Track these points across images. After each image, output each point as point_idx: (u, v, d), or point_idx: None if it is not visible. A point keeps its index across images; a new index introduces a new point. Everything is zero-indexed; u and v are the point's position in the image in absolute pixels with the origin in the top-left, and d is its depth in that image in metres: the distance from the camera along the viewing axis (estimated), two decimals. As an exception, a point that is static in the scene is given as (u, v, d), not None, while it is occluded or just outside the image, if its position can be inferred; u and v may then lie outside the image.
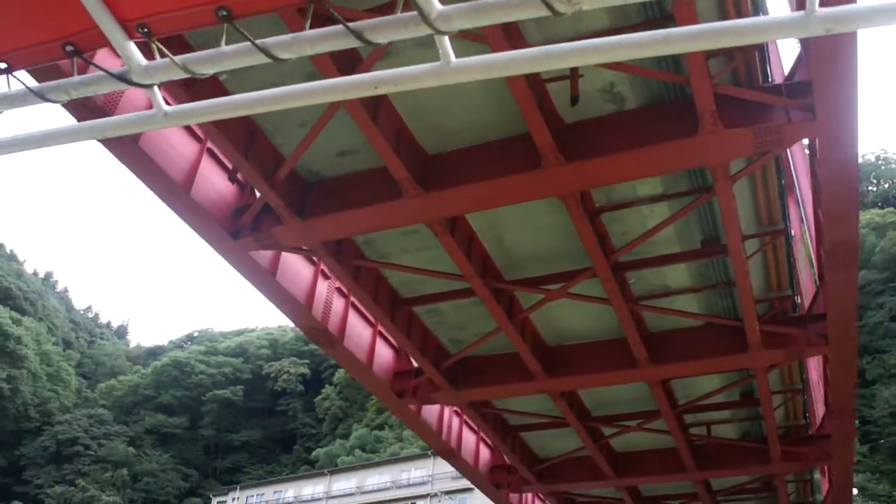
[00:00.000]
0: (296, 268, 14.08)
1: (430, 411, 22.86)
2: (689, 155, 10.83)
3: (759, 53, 10.29)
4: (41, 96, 3.03)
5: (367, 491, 68.52)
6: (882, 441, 72.31)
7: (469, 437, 26.18)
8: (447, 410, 23.64)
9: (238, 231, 11.74)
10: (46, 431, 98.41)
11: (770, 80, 10.68)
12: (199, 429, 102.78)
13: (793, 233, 14.77)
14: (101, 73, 3.05)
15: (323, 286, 16.33)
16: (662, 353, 18.10)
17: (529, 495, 32.39)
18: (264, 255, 12.87)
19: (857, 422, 73.58)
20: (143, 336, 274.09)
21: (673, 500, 31.18)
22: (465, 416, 23.40)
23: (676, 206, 12.49)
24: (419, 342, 16.37)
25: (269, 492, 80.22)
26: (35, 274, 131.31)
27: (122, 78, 3.04)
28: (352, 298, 15.35)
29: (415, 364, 17.95)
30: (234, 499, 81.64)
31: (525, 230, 13.97)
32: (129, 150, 9.93)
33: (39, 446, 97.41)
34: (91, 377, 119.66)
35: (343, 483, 70.85)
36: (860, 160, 12.61)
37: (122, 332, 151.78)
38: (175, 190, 10.81)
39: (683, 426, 25.20)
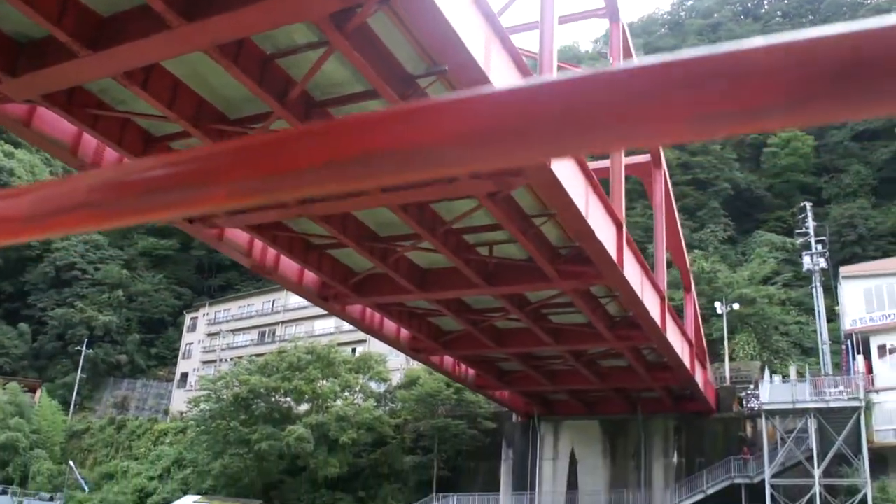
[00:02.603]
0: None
1: (239, 236, 25.83)
2: (292, 8, 13.05)
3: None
4: None
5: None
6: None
7: (289, 262, 29.49)
8: (258, 243, 26.76)
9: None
10: (46, 258, 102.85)
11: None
12: (191, 249, 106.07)
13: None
14: None
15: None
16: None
17: (378, 315, 36.09)
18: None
19: (826, 238, 75.53)
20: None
21: (492, 312, 34.70)
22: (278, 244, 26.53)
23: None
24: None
25: (234, 307, 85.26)
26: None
27: None
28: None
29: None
30: (203, 314, 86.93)
31: (225, 76, 16.19)
32: None
33: (41, 272, 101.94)
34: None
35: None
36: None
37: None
38: None
39: (460, 247, 28.12)
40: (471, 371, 44.73)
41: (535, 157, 0.52)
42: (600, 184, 26.73)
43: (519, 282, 30.49)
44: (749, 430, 45.75)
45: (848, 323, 48.79)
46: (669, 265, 42.79)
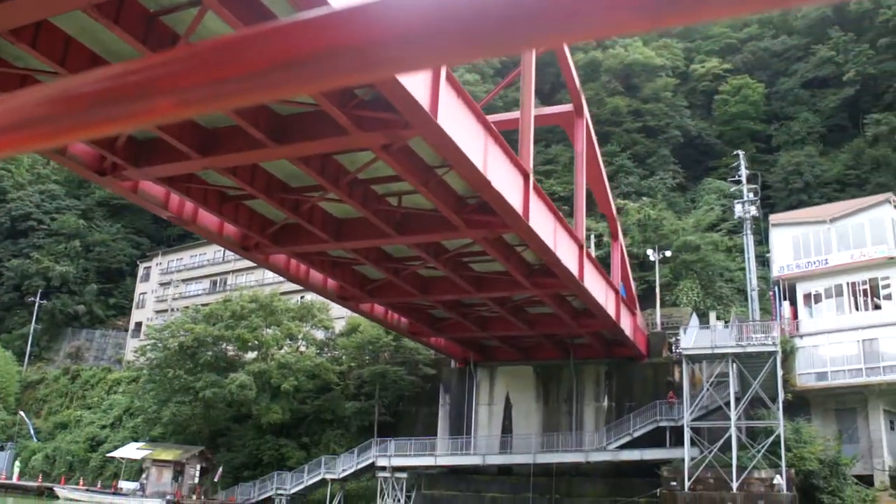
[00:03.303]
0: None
1: (155, 189, 26.05)
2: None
3: None
4: None
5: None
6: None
7: (208, 215, 29.73)
8: (174, 195, 26.93)
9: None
10: (1, 208, 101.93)
11: None
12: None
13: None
14: None
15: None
16: (288, 134, 21.05)
17: (305, 265, 36.55)
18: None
19: (758, 186, 76.57)
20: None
21: (412, 261, 35.27)
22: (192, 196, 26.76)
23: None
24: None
25: (186, 256, 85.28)
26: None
27: None
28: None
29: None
30: (157, 263, 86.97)
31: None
32: None
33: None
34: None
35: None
36: None
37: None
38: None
39: (368, 197, 28.54)
40: (403, 319, 45.35)
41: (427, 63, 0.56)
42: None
43: (428, 231, 30.93)
44: (677, 374, 46.78)
45: (776, 270, 49.78)
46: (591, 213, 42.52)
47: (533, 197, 29.91)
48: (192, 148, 20.84)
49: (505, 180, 27.04)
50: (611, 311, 41.19)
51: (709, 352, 40.55)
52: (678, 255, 69.41)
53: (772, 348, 39.35)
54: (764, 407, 41.75)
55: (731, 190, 58.36)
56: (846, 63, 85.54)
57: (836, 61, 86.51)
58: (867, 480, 45.75)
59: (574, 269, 35.12)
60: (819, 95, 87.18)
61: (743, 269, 71.55)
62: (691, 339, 41.47)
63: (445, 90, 22.02)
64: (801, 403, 47.93)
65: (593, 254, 62.94)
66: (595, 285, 38.54)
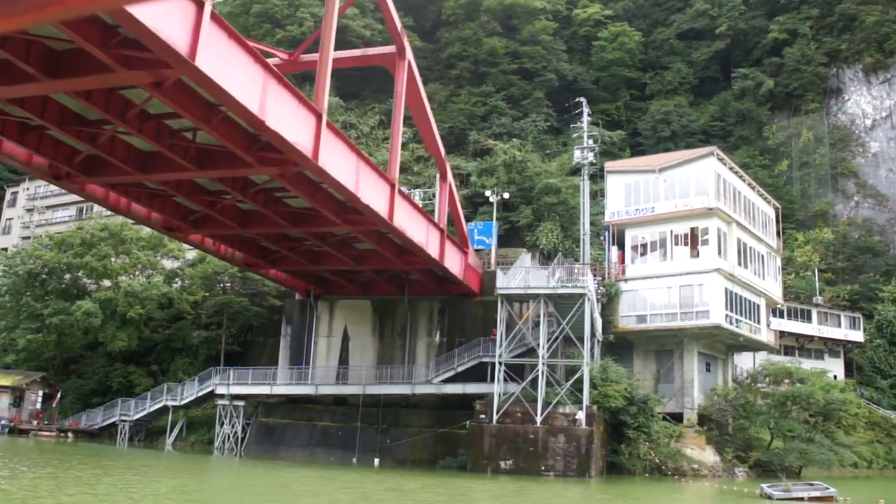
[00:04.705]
0: None
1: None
2: None
3: None
4: None
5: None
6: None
7: (13, 144, 29.78)
8: None
9: None
10: None
11: None
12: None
13: None
14: None
15: None
16: (63, 70, 21.59)
17: (124, 198, 36.79)
18: None
19: (627, 133, 78.22)
20: None
21: (225, 195, 35.78)
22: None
23: None
24: None
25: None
26: None
27: None
28: None
29: None
30: (24, 189, 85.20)
31: None
32: None
33: None
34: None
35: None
36: None
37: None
38: None
39: (161, 132, 28.93)
40: (238, 252, 45.91)
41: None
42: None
43: (226, 166, 31.45)
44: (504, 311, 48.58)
45: (608, 215, 51.72)
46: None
47: (327, 136, 30.58)
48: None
49: (289, 120, 27.63)
50: (433, 249, 42.42)
51: (522, 292, 42.21)
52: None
53: (581, 291, 41.11)
54: (575, 346, 43.76)
55: (574, 136, 59.84)
56: (720, 17, 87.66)
57: (711, 14, 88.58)
58: (678, 418, 48.71)
59: (382, 208, 36.10)
60: (694, 47, 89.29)
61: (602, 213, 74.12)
62: (507, 279, 42.99)
63: (211, 31, 22.47)
64: (625, 344, 50.45)
65: (461, 193, 64.33)
66: (411, 224, 39.62)
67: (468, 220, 62.30)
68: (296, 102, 28.28)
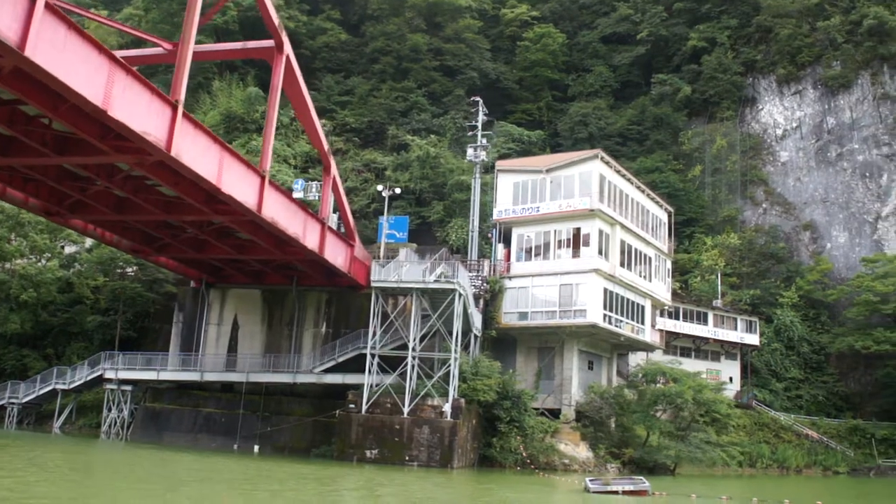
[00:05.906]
0: None
1: None
2: None
3: None
4: None
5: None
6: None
7: None
8: None
9: None
10: None
11: None
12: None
13: None
14: None
15: None
16: None
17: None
18: None
19: (547, 134, 79.33)
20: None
21: (92, 181, 36.12)
22: None
23: None
24: None
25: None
26: None
27: None
28: None
29: None
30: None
31: None
32: None
33: None
34: None
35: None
36: None
37: None
38: None
39: (16, 118, 29.28)
40: (124, 239, 46.24)
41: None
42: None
43: (82, 153, 31.91)
44: (391, 305, 49.49)
45: (496, 213, 52.86)
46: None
47: (184, 128, 31.21)
48: None
49: (140, 111, 28.20)
50: (311, 241, 43.19)
51: (395, 286, 43.14)
52: (452, 193, 72.29)
53: (452, 286, 42.13)
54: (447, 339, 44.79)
55: (470, 134, 60.94)
56: (642, 23, 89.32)
57: (634, 20, 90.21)
58: (557, 414, 50.04)
59: (251, 199, 36.82)
60: (617, 51, 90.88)
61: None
62: (384, 272, 43.85)
63: (46, 22, 22.99)
64: (509, 341, 51.67)
65: (374, 186, 64.74)
66: (285, 215, 40.38)
67: (380, 214, 63.21)
68: (148, 94, 28.85)
